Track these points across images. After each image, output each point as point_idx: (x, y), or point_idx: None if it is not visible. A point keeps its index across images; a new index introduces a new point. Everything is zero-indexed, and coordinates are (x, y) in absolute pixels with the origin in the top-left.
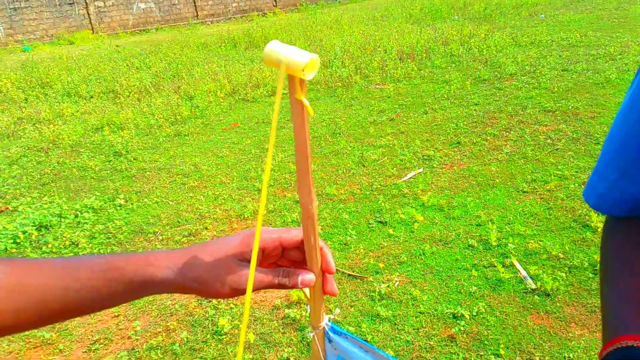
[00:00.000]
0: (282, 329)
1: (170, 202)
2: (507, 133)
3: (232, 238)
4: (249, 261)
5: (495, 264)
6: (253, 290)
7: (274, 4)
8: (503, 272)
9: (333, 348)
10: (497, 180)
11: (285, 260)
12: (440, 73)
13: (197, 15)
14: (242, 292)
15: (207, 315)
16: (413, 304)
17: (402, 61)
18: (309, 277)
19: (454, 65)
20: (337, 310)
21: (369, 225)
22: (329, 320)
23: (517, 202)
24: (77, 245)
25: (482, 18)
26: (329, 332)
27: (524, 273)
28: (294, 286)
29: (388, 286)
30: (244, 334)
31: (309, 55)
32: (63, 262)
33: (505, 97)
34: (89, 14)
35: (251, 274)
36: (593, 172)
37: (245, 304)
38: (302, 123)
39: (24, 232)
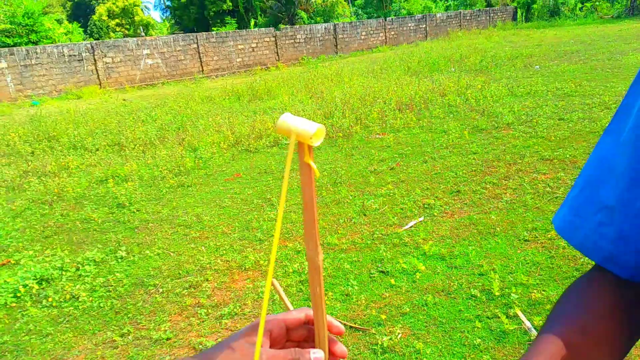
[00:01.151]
0: None
1: (172, 254)
2: (507, 181)
3: (242, 329)
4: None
5: (499, 315)
6: None
7: (277, 59)
8: (507, 324)
9: None
10: (498, 229)
11: (291, 342)
12: (438, 123)
13: (203, 70)
14: None
15: None
16: (416, 358)
17: (401, 112)
18: (320, 354)
19: (451, 115)
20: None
21: (371, 275)
22: None
23: (518, 251)
24: (78, 298)
25: (479, 70)
26: None
27: (528, 324)
28: None
29: (390, 339)
30: None
31: (316, 125)
32: None
33: (503, 146)
34: (97, 69)
35: (258, 343)
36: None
37: None
38: (310, 183)
39: (24, 286)
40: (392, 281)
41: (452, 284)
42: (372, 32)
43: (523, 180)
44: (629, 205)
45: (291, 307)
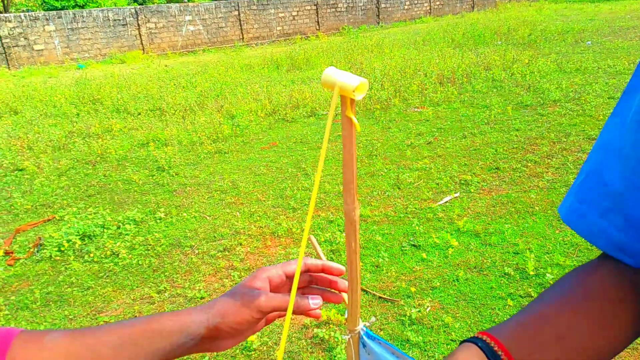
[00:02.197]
0: (310, 348)
1: (208, 217)
2: (549, 160)
3: (244, 278)
4: (258, 289)
5: (533, 294)
6: (275, 312)
7: (317, 28)
8: None
9: (367, 353)
10: (537, 208)
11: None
12: (480, 98)
13: (243, 38)
14: (261, 310)
15: None
16: (444, 331)
17: (442, 85)
18: (318, 300)
19: (495, 90)
20: (373, 319)
21: (402, 248)
22: (364, 326)
23: (557, 232)
24: (118, 255)
25: (526, 44)
26: (364, 337)
27: None
28: (305, 307)
29: (419, 311)
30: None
31: (359, 79)
32: (113, 326)
33: (548, 124)
34: (140, 35)
35: (293, 292)
36: None
37: (285, 322)
38: (351, 137)
39: (68, 241)
40: (424, 255)
41: (485, 260)
42: (416, 1)
43: (567, 159)
44: (636, 189)
45: (325, 259)
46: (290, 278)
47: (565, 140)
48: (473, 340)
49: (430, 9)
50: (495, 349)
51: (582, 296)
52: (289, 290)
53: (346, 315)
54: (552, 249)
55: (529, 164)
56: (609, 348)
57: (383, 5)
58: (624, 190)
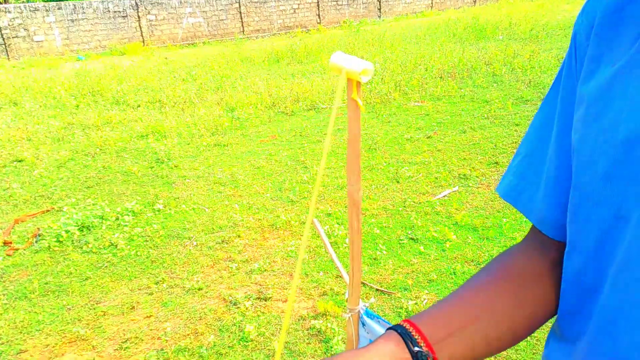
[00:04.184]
0: (308, 339)
1: (207, 209)
2: None
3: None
4: None
5: None
6: None
7: (318, 21)
8: None
9: (366, 332)
10: None
11: None
12: (481, 92)
13: (244, 31)
14: None
15: (234, 321)
16: None
17: (442, 79)
18: None
19: (495, 85)
20: (373, 299)
21: (400, 242)
22: (364, 306)
23: None
24: (116, 246)
25: (528, 39)
26: (363, 316)
27: None
28: None
29: (416, 304)
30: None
31: (365, 63)
32: None
33: None
34: (140, 27)
35: (296, 278)
36: None
37: (286, 312)
38: (356, 119)
39: (67, 232)
40: (421, 248)
41: (482, 254)
42: None
43: None
44: (559, 170)
45: (330, 247)
46: None
47: None
48: (395, 327)
49: (432, 3)
50: (413, 334)
51: (501, 277)
52: None
53: (347, 295)
54: None
55: None
56: (525, 324)
57: None
58: (550, 170)
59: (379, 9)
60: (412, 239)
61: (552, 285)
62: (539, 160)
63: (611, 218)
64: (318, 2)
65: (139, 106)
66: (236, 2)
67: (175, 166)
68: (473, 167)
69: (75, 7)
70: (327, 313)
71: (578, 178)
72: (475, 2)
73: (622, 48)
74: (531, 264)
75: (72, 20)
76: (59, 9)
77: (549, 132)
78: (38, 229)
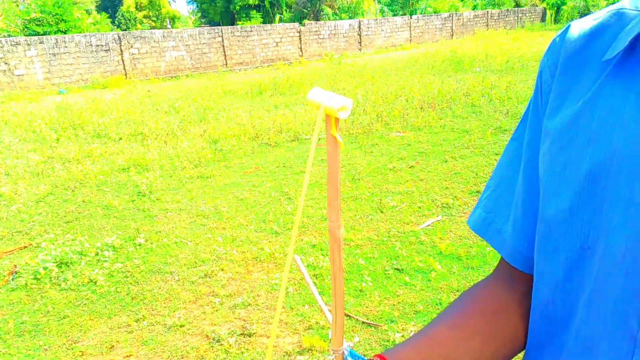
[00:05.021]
0: None
1: (189, 243)
2: None
3: None
4: None
5: None
6: None
7: (300, 54)
8: None
9: None
10: None
11: None
12: (461, 122)
13: (226, 64)
14: None
15: (217, 359)
16: None
17: (423, 110)
18: None
19: (474, 115)
20: (357, 338)
21: (385, 272)
22: (348, 346)
23: None
24: (95, 283)
25: (504, 70)
26: (348, 358)
27: None
28: None
29: (403, 336)
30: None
31: (343, 99)
32: None
33: None
34: (123, 60)
35: (278, 307)
36: None
37: (269, 340)
38: (335, 156)
39: (44, 268)
40: (407, 279)
41: (467, 284)
42: (397, 29)
43: None
44: (526, 203)
45: (311, 283)
46: None
47: None
48: None
49: (410, 36)
50: None
51: (470, 312)
52: None
53: (330, 335)
54: None
55: None
56: (494, 359)
57: (365, 33)
58: (519, 204)
59: (360, 43)
60: (397, 269)
61: (521, 319)
62: (507, 193)
63: (578, 249)
64: (300, 35)
65: (120, 139)
66: (219, 36)
67: (157, 199)
68: (455, 196)
69: (57, 41)
70: (313, 348)
71: (544, 210)
72: (452, 35)
73: (585, 86)
74: (500, 298)
75: (54, 54)
76: (40, 43)
77: (517, 166)
78: (15, 266)
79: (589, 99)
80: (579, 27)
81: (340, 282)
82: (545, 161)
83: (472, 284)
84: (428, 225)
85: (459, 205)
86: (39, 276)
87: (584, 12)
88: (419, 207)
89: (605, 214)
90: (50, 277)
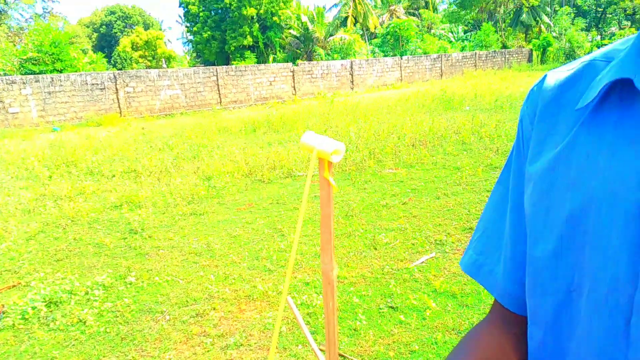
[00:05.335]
0: None
1: (181, 281)
2: None
3: None
4: None
5: None
6: None
7: (293, 93)
8: None
9: None
10: None
11: None
12: (452, 160)
13: (221, 102)
14: None
15: None
16: None
17: (414, 147)
18: None
19: (465, 152)
20: None
21: (380, 311)
22: None
23: None
24: (85, 323)
25: (493, 109)
26: None
27: None
28: None
29: None
30: None
31: (336, 143)
32: None
33: None
34: (118, 98)
35: (274, 343)
36: None
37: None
38: (328, 197)
39: (33, 308)
40: (402, 317)
41: (463, 322)
42: (388, 69)
43: None
44: (515, 246)
45: (304, 325)
46: None
47: None
48: None
49: (401, 76)
50: None
51: None
52: None
53: None
54: None
55: None
56: None
57: (357, 73)
58: (508, 246)
59: (352, 82)
60: (391, 307)
61: None
62: (496, 236)
63: (565, 291)
64: (293, 75)
65: (113, 176)
66: (214, 75)
67: (149, 237)
68: (448, 233)
69: (52, 80)
70: None
71: (532, 252)
72: (441, 75)
73: (561, 132)
74: (497, 345)
75: (49, 93)
76: (36, 81)
77: (503, 209)
78: (2, 305)
79: (565, 145)
80: (554, 77)
81: (334, 324)
82: (529, 205)
83: (467, 323)
84: (422, 262)
85: (452, 242)
86: (27, 316)
87: (569, 54)
88: (413, 244)
89: (588, 257)
90: (39, 317)
